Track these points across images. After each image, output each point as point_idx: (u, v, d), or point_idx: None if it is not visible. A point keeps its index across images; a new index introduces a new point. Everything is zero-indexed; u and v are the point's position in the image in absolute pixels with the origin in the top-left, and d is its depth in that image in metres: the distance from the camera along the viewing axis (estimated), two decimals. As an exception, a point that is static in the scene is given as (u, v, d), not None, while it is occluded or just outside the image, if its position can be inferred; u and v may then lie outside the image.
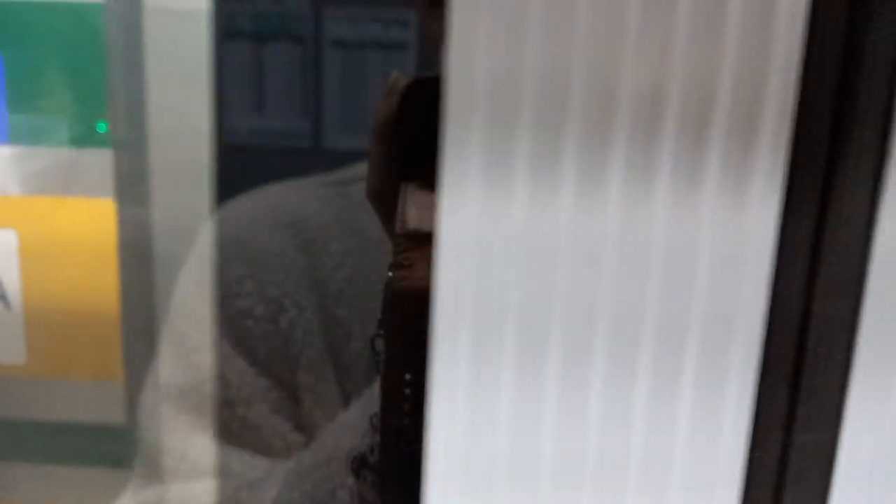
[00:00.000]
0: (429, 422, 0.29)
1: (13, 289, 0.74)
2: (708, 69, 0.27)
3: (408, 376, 0.32)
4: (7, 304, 0.74)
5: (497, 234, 0.27)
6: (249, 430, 0.53)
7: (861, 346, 0.29)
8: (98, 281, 0.73)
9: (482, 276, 0.28)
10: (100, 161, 0.73)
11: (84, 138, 0.72)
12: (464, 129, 0.27)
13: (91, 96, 0.72)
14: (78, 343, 0.75)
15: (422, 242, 0.32)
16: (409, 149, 0.38)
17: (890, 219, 0.28)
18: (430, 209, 0.32)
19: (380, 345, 0.33)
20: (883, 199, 0.27)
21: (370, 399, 0.48)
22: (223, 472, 0.52)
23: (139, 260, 0.72)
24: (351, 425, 0.47)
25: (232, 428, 0.53)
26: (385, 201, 0.38)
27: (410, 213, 0.33)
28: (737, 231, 0.28)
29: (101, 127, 0.72)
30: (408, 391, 0.32)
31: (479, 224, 0.27)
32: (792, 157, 0.27)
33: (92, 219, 0.73)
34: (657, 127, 0.27)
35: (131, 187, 0.72)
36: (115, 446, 0.75)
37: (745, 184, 0.27)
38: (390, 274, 0.32)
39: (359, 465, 0.38)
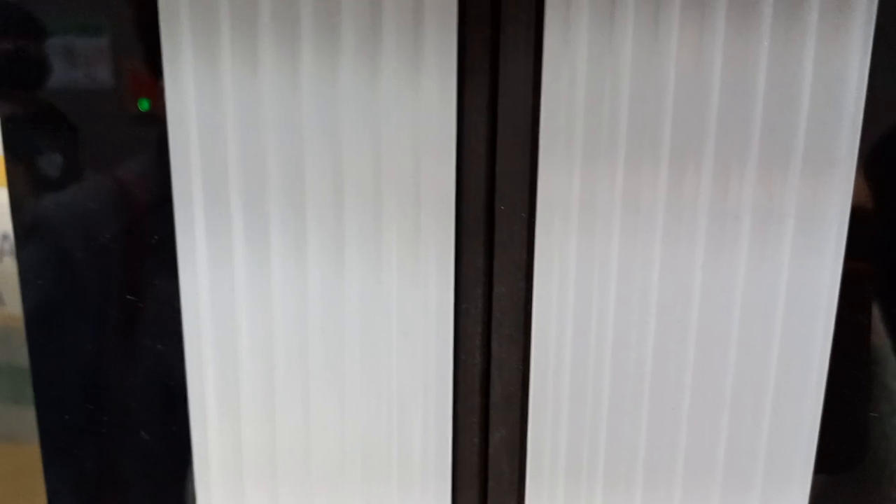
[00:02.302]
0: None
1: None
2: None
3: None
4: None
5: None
6: None
7: (540, 205, 0.32)
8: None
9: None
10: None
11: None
12: None
13: None
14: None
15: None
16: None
17: (549, 90, 0.30)
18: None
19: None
20: (543, 68, 0.30)
21: None
22: None
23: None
24: None
25: None
26: None
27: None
28: (416, 107, 0.31)
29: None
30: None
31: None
32: (460, 41, 0.31)
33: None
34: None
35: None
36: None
37: (418, 66, 0.31)
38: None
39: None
